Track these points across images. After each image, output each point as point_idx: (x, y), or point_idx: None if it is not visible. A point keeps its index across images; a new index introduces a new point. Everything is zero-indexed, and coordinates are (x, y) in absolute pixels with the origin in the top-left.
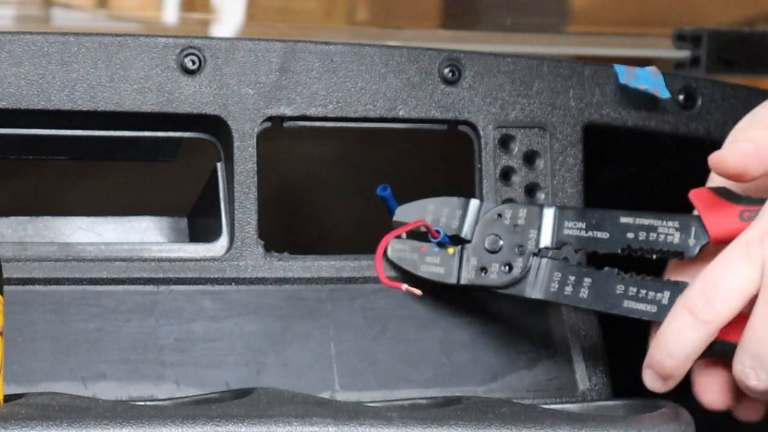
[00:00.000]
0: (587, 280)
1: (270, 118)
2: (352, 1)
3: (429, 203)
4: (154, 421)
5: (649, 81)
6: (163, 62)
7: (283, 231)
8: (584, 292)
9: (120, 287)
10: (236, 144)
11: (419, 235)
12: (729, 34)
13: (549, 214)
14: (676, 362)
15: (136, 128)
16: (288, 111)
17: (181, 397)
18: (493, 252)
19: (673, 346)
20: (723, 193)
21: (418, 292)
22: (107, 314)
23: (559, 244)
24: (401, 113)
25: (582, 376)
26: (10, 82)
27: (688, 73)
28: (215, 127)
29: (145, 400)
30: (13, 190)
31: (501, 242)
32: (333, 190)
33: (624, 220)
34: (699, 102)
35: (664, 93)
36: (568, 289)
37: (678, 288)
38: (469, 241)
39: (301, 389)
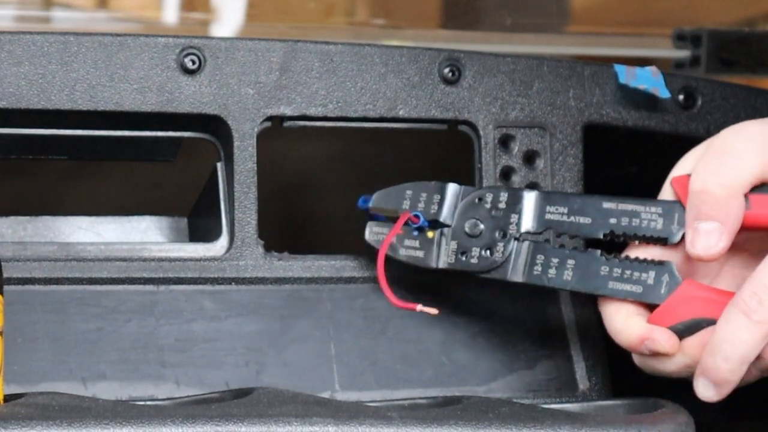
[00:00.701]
0: (570, 262)
1: (270, 118)
2: (352, 1)
3: (406, 188)
4: (154, 421)
5: (649, 81)
6: (163, 62)
7: (283, 231)
8: (568, 275)
9: (120, 287)
10: (236, 144)
11: (396, 217)
12: (729, 34)
13: (530, 198)
14: (731, 366)
15: (136, 128)
16: (288, 111)
17: (181, 397)
18: (473, 236)
19: (729, 350)
20: None
21: (434, 311)
22: (107, 314)
23: (540, 228)
24: (401, 113)
25: (582, 376)
26: (10, 82)
27: (687, 73)
28: (215, 127)
29: (145, 400)
30: (13, 190)
31: (481, 226)
32: (333, 189)
33: (606, 205)
34: (699, 102)
35: (664, 93)
36: (552, 272)
37: (663, 268)
38: (448, 226)
39: (301, 389)
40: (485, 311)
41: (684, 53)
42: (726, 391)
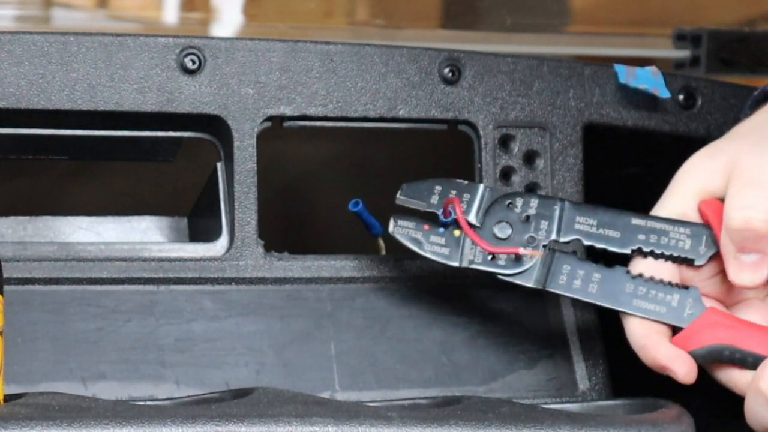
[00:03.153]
0: (596, 276)
1: (270, 118)
2: (352, 1)
3: (436, 183)
4: (154, 421)
5: (649, 81)
6: (163, 62)
7: (283, 231)
8: (593, 287)
9: (120, 287)
10: (236, 144)
11: (423, 214)
12: (729, 34)
13: (561, 207)
14: None
15: (136, 128)
16: (288, 111)
17: (181, 397)
18: (501, 239)
19: None
20: None
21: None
22: (107, 314)
23: (569, 238)
24: (401, 113)
25: (582, 376)
26: (10, 82)
27: (688, 72)
28: (215, 126)
29: (145, 400)
30: (13, 190)
31: (510, 231)
32: (333, 189)
33: (635, 221)
34: (699, 102)
35: (664, 93)
36: (577, 283)
37: (688, 293)
38: (476, 226)
39: (301, 389)
40: (485, 311)
41: (684, 53)
42: None
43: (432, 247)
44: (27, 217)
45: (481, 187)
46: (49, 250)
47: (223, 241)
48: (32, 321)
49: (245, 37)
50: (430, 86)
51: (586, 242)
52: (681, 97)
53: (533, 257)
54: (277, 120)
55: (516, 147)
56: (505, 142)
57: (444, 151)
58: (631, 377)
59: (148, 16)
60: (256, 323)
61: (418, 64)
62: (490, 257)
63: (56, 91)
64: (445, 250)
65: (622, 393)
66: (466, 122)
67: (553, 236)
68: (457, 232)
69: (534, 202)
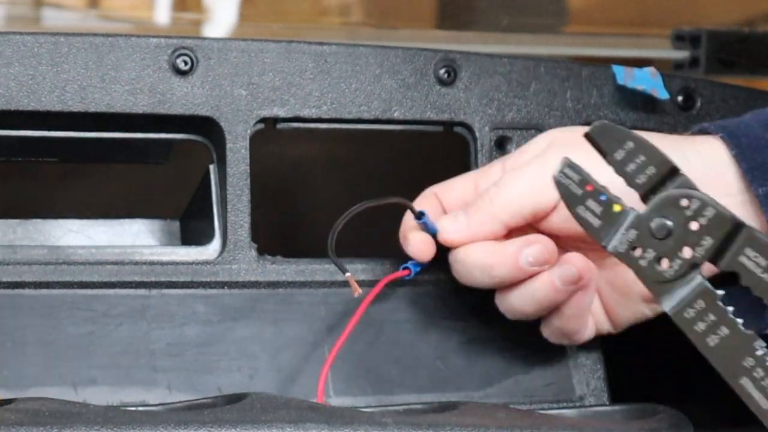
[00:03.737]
0: (724, 330)
1: (263, 120)
2: (347, 1)
3: (630, 139)
4: (145, 427)
5: (648, 82)
6: (155, 63)
7: (277, 234)
8: (713, 340)
9: (111, 291)
10: (229, 146)
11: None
12: (728, 35)
13: (738, 234)
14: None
15: (128, 130)
16: (281, 112)
17: (173, 403)
18: (655, 236)
19: None
20: None
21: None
22: (98, 318)
23: (726, 267)
24: (396, 114)
25: (579, 381)
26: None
27: (686, 73)
28: (208, 128)
29: (136, 406)
30: (2, 192)
31: (670, 237)
32: (327, 192)
33: None
34: (698, 103)
35: (662, 94)
36: (701, 326)
37: None
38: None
39: (295, 394)
40: (481, 316)
41: (683, 54)
42: None
43: (585, 212)
44: (16, 220)
45: (678, 174)
46: (39, 254)
47: (216, 244)
48: (22, 325)
49: (238, 38)
50: (425, 87)
51: (745, 283)
52: (680, 98)
53: (677, 271)
54: (270, 121)
55: (512, 149)
56: (501, 143)
57: (439, 153)
58: (629, 383)
59: (140, 16)
60: (249, 328)
61: (414, 65)
62: (633, 250)
63: (46, 93)
64: (596, 222)
65: (620, 399)
66: (462, 124)
67: (713, 261)
68: (617, 208)
69: (709, 212)
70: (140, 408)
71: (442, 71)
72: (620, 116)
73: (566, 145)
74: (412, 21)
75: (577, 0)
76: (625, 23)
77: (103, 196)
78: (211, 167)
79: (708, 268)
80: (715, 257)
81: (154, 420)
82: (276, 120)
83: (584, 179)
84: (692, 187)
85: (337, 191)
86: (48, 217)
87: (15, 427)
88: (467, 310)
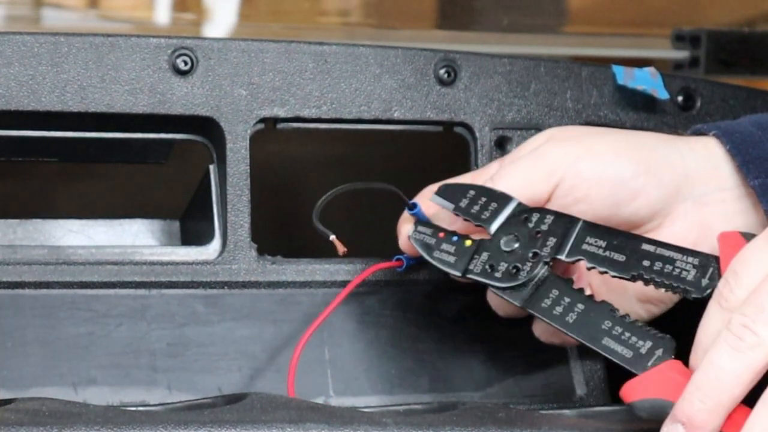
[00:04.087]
0: (580, 307)
1: (263, 120)
2: (347, 1)
3: (470, 188)
4: (145, 427)
5: (648, 82)
6: (155, 63)
7: (277, 234)
8: (571, 317)
9: (111, 291)
10: (229, 146)
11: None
12: (728, 35)
13: (574, 226)
14: (708, 406)
15: (128, 130)
16: (281, 112)
17: (173, 403)
18: (506, 252)
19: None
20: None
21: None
22: (98, 318)
23: (573, 257)
24: (396, 114)
25: (579, 381)
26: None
27: (686, 74)
28: (208, 128)
29: (136, 406)
30: (3, 192)
31: (516, 244)
32: (327, 192)
33: (645, 247)
34: (698, 103)
35: (662, 94)
36: (558, 309)
37: (662, 341)
38: (487, 239)
39: (295, 394)
40: (481, 316)
41: (683, 54)
42: None
43: (441, 254)
44: (17, 220)
45: (513, 201)
46: (39, 254)
47: (216, 244)
48: (22, 325)
49: (238, 38)
50: (425, 87)
51: (589, 264)
52: (680, 98)
53: (529, 275)
54: (270, 122)
55: (512, 149)
56: (501, 143)
57: (439, 153)
58: None
59: (140, 16)
60: (249, 328)
61: (414, 65)
62: (489, 268)
63: (46, 93)
64: (451, 258)
65: (620, 399)
66: (462, 124)
67: (558, 253)
68: (468, 243)
69: (549, 218)
70: (140, 408)
71: (442, 71)
72: (620, 116)
73: (564, 139)
74: (412, 21)
75: (577, 0)
76: (625, 23)
77: (103, 196)
78: (211, 167)
79: (559, 265)
80: (560, 252)
81: (154, 420)
82: (276, 120)
83: (436, 230)
84: (529, 207)
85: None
86: (48, 217)
87: (15, 427)
88: (467, 310)
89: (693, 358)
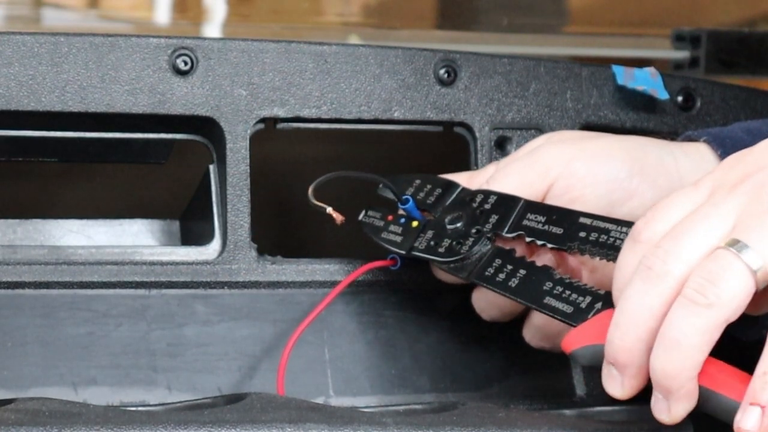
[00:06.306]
0: (522, 272)
1: (263, 120)
2: (346, 1)
3: (416, 177)
4: (145, 427)
5: (648, 82)
6: (155, 63)
7: (277, 234)
8: (514, 282)
9: (111, 291)
10: (229, 146)
11: (394, 204)
12: (728, 35)
13: (516, 204)
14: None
15: (128, 130)
16: (281, 112)
17: (173, 403)
18: (450, 229)
19: (624, 321)
20: None
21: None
22: (98, 318)
23: (514, 232)
24: (396, 115)
25: (579, 381)
26: (0, 83)
27: (686, 74)
28: (208, 128)
29: (136, 406)
30: (2, 192)
31: (460, 223)
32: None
33: (583, 220)
34: (698, 103)
35: (662, 94)
36: (501, 276)
37: (602, 296)
38: (431, 218)
39: (295, 394)
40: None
41: (683, 54)
42: (632, 381)
43: (388, 235)
44: (16, 220)
45: (460, 187)
46: (39, 254)
47: (216, 244)
48: (22, 325)
49: (238, 38)
50: (425, 87)
51: (529, 238)
52: (680, 98)
53: (472, 246)
54: (270, 122)
55: (512, 149)
56: (501, 144)
57: (439, 153)
58: None
59: (140, 16)
60: (249, 328)
61: (413, 65)
62: (433, 244)
63: (46, 93)
64: (398, 238)
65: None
66: (462, 124)
67: (500, 229)
68: (415, 223)
69: (492, 198)
70: (140, 408)
71: (442, 71)
72: (620, 116)
73: (560, 141)
74: (412, 21)
75: (577, 0)
76: (624, 23)
77: (103, 196)
78: (211, 167)
79: (504, 243)
80: (502, 228)
81: (154, 420)
82: (276, 120)
83: (384, 214)
84: (473, 190)
85: (337, 191)
86: (48, 217)
87: (15, 427)
88: (467, 310)
89: (614, 297)
